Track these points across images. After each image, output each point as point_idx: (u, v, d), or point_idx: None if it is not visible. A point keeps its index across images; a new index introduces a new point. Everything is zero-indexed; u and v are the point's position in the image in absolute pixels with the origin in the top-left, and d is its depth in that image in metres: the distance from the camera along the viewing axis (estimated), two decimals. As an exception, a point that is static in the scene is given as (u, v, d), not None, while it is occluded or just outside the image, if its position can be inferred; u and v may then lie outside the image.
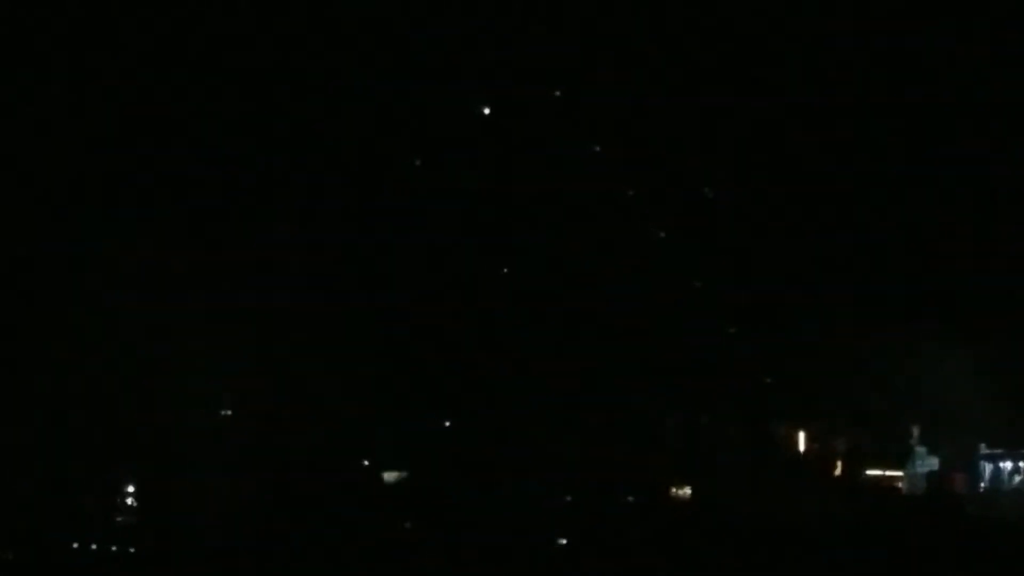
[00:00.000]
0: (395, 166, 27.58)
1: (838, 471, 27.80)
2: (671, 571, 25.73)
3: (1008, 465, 26.80)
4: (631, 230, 27.71)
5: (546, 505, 26.80)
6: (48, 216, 26.69)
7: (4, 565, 25.25)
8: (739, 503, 26.76)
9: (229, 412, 27.30)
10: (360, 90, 27.34)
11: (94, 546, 26.16)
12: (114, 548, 26.22)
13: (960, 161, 27.13)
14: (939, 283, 27.01)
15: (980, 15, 26.70)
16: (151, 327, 26.40)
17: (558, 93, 27.72)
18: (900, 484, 27.39)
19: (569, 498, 26.97)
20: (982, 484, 26.89)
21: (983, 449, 26.88)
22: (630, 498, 27.36)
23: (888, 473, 27.63)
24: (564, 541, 26.32)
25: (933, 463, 26.99)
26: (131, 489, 27.06)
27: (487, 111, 27.85)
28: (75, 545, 26.14)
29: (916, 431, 26.85)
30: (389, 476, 27.04)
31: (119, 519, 26.88)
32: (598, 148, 27.74)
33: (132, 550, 26.13)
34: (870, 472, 27.81)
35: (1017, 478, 26.78)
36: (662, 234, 27.79)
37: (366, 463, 27.20)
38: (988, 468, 26.83)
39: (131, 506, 26.98)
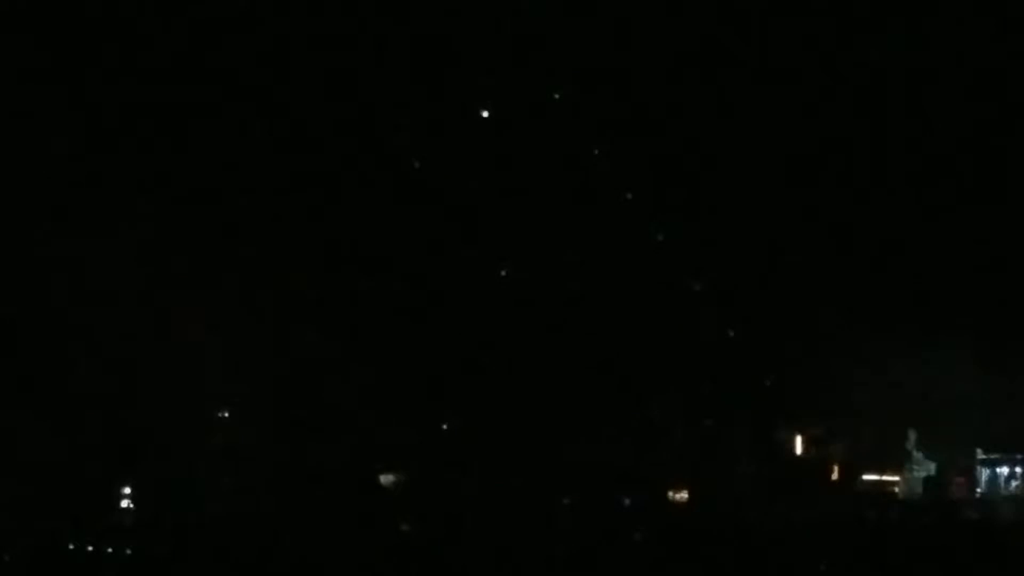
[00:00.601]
0: (394, 167, 27.54)
1: (835, 475, 27.88)
2: (669, 574, 25.74)
3: (1005, 470, 26.86)
4: (630, 232, 27.72)
5: (544, 507, 26.79)
6: (49, 212, 26.58)
7: (1, 566, 25.10)
8: (737, 506, 26.80)
9: (226, 413, 27.25)
10: (359, 90, 27.30)
11: (91, 547, 26.01)
12: (111, 549, 26.07)
13: (961, 165, 27.22)
14: (937, 287, 27.07)
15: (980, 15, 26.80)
16: (150, 326, 26.30)
17: (557, 96, 27.72)
18: (897, 489, 27.46)
19: (567, 500, 26.97)
20: (979, 489, 26.95)
21: (980, 454, 26.94)
22: (627, 501, 27.40)
23: (885, 478, 27.71)
24: (563, 541, 26.29)
25: (930, 468, 27.04)
26: (128, 490, 26.96)
27: (486, 114, 27.85)
28: (71, 546, 25.99)
29: (913, 436, 26.90)
30: (385, 479, 27.01)
31: (116, 520, 26.77)
32: (597, 151, 27.75)
33: (129, 551, 25.99)
34: (867, 477, 27.89)
35: (1014, 483, 26.85)
36: (661, 236, 27.81)
37: (365, 464, 27.14)
38: (985, 473, 26.90)
39: (128, 508, 26.88)
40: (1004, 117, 26.77)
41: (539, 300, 27.50)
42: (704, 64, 27.28)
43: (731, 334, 27.78)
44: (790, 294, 27.75)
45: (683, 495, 27.61)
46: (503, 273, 27.52)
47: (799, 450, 28.09)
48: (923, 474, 26.99)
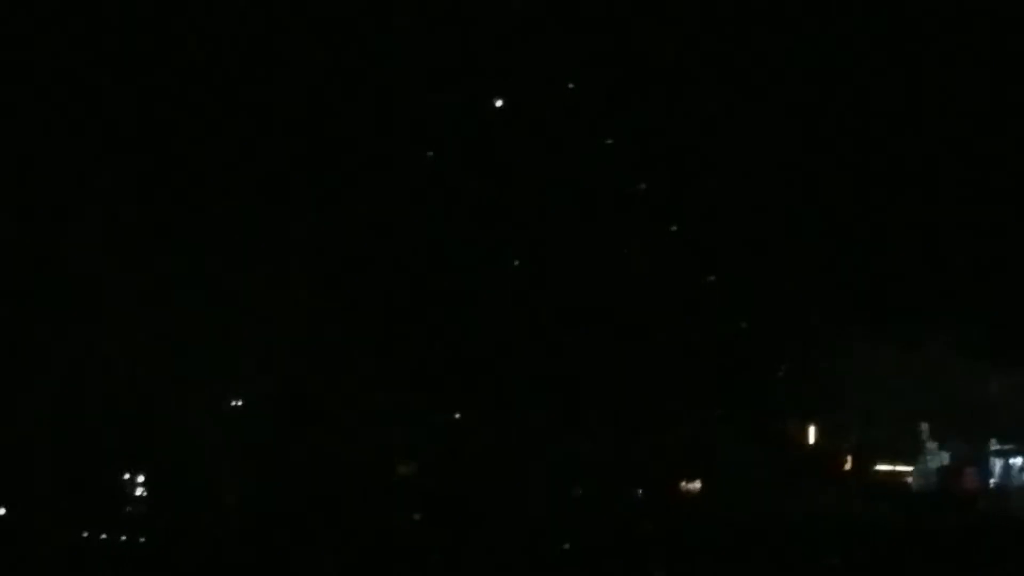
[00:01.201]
0: (407, 157, 27.55)
1: (848, 466, 27.84)
2: (680, 565, 25.74)
3: (1018, 461, 26.79)
4: (642, 223, 27.70)
5: (555, 499, 26.80)
6: (55, 207, 26.65)
7: (13, 555, 25.20)
8: (749, 498, 26.78)
9: (240, 403, 27.30)
10: (370, 79, 27.32)
11: (104, 536, 26.11)
12: (124, 538, 26.16)
13: (964, 156, 27.16)
14: (952, 276, 27.01)
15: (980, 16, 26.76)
16: (161, 315, 26.37)
17: (572, 86, 27.71)
18: (910, 479, 27.41)
19: (580, 491, 26.98)
20: (992, 479, 26.88)
21: (994, 444, 26.87)
22: (639, 492, 27.41)
23: (898, 468, 27.67)
24: (572, 534, 26.30)
25: (943, 458, 26.98)
26: (141, 479, 27.03)
27: (499, 103, 27.84)
28: (85, 535, 26.08)
29: (926, 427, 26.85)
30: (404, 468, 27.05)
31: (129, 509, 26.85)
32: (610, 141, 27.73)
33: (142, 540, 26.07)
34: (880, 467, 27.85)
35: (1028, 473, 26.81)
36: (674, 227, 27.78)
37: (378, 455, 27.16)
38: (998, 464, 26.83)
39: (141, 496, 26.96)
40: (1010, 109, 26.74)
41: (548, 291, 27.50)
42: (716, 54, 27.28)
43: (743, 325, 27.77)
44: (802, 285, 27.71)
45: (695, 486, 27.61)
46: (516, 263, 27.52)
47: (811, 441, 28.07)
48: (936, 464, 26.92)
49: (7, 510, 25.90)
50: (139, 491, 27.14)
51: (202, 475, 26.60)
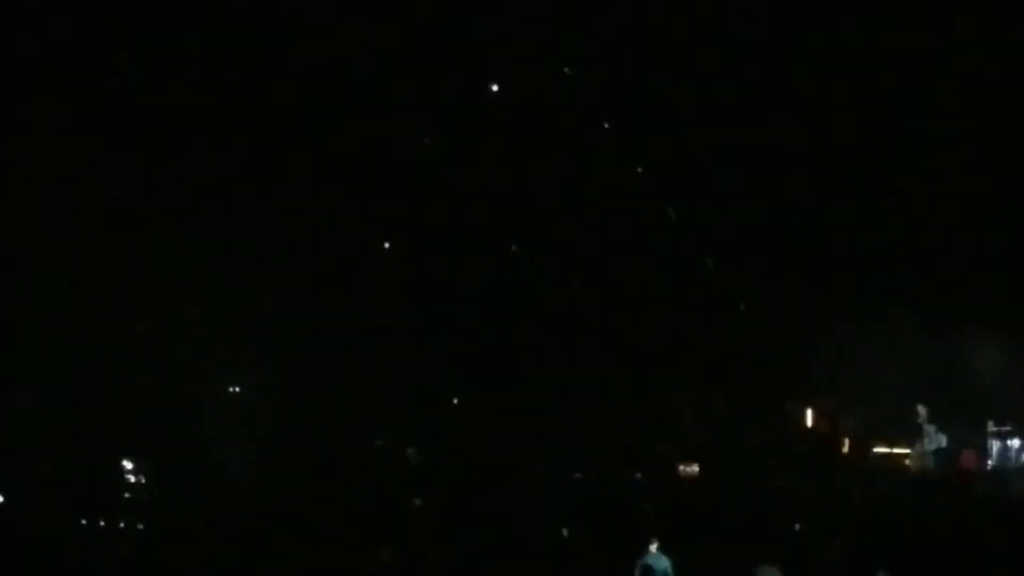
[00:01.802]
0: (406, 146, 27.55)
1: (846, 449, 27.88)
2: (680, 548, 25.72)
3: (1016, 443, 26.77)
4: (642, 209, 27.72)
5: (555, 482, 26.80)
6: (57, 201, 26.63)
7: (14, 539, 25.14)
8: (747, 481, 26.80)
9: (237, 388, 27.32)
10: (370, 70, 27.31)
11: (103, 522, 26.08)
12: (123, 524, 26.13)
13: (966, 139, 27.19)
14: (949, 261, 27.06)
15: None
16: (161, 305, 26.35)
17: (567, 70, 27.71)
18: (908, 462, 27.41)
19: (579, 475, 27.00)
20: (990, 462, 26.88)
21: (991, 427, 26.86)
22: (638, 475, 27.44)
23: (896, 451, 27.68)
24: (573, 518, 26.29)
25: (941, 441, 26.97)
26: (139, 466, 27.02)
27: (495, 88, 27.84)
28: (84, 521, 26.05)
29: (924, 409, 26.83)
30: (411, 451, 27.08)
31: (128, 495, 26.83)
32: (607, 125, 27.75)
33: (141, 526, 26.03)
34: (878, 450, 27.88)
35: (1026, 455, 26.79)
36: (672, 213, 27.81)
37: (377, 441, 27.20)
38: (996, 446, 26.82)
39: (140, 482, 26.93)
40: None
41: (548, 276, 27.51)
42: (716, 44, 27.30)
43: (742, 308, 27.82)
44: (802, 269, 27.75)
45: (693, 468, 27.65)
46: (514, 248, 27.54)
47: (810, 423, 28.11)
48: (934, 447, 26.90)
49: (8, 498, 25.88)
50: (136, 478, 27.15)
51: (202, 462, 26.60)
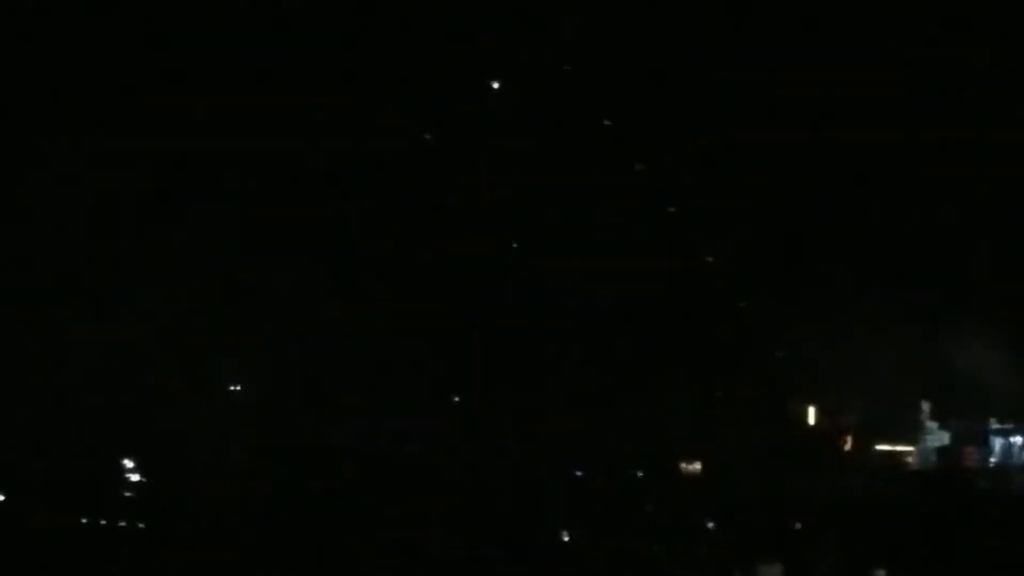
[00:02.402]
0: (406, 141, 27.48)
1: (848, 446, 27.83)
2: (681, 545, 25.72)
3: (1018, 440, 26.79)
4: (642, 204, 27.65)
5: (556, 479, 26.75)
6: (55, 201, 26.60)
7: (13, 539, 25.10)
8: (749, 478, 26.76)
9: (238, 387, 27.24)
10: (370, 64, 27.25)
11: (103, 521, 26.02)
12: (123, 524, 26.07)
13: (965, 139, 27.14)
14: (950, 257, 27.01)
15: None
16: (160, 301, 26.30)
17: (568, 68, 27.65)
18: (910, 459, 27.41)
19: (579, 472, 26.95)
20: (992, 459, 26.89)
21: (993, 424, 26.89)
22: (639, 473, 27.38)
23: (898, 448, 27.67)
24: (572, 515, 26.26)
25: (943, 438, 26.98)
26: (139, 465, 26.96)
27: (496, 85, 27.78)
28: (84, 520, 25.99)
29: (927, 406, 26.83)
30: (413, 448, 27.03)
31: (127, 495, 26.76)
32: (608, 122, 27.68)
33: (141, 525, 25.98)
34: (880, 447, 27.85)
35: (1027, 452, 26.80)
36: (672, 208, 27.75)
37: (377, 439, 27.11)
38: (998, 443, 26.83)
39: (140, 482, 26.87)
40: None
41: (552, 276, 27.45)
42: (717, 38, 27.24)
43: (743, 305, 27.75)
44: (803, 266, 27.69)
45: (695, 467, 27.59)
46: (514, 245, 27.46)
47: (811, 421, 28.06)
48: (936, 444, 26.93)
49: (8, 496, 25.84)
50: (136, 477, 27.08)
51: (202, 461, 26.55)
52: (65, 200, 26.43)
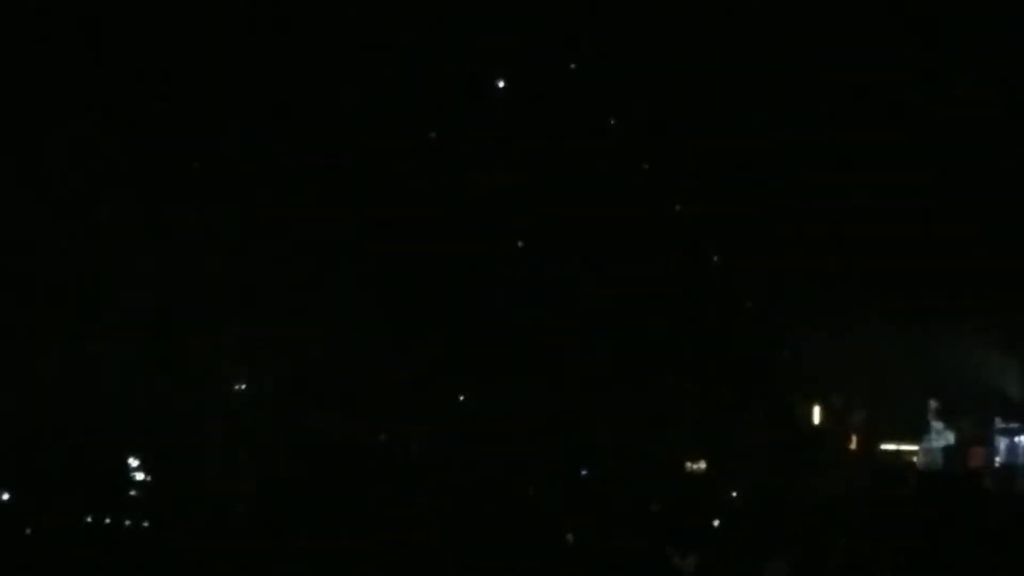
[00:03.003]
0: (409, 138, 27.47)
1: (853, 445, 27.83)
2: (684, 544, 25.65)
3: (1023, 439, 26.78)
4: (647, 203, 27.64)
5: (559, 479, 26.73)
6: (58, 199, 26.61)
7: (18, 537, 25.07)
8: (754, 478, 26.75)
9: (243, 386, 27.25)
10: (371, 59, 27.23)
11: (108, 520, 25.98)
12: (128, 522, 26.04)
13: (967, 137, 27.12)
14: (955, 254, 26.98)
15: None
16: (164, 297, 26.31)
17: (574, 66, 27.64)
18: (915, 459, 27.40)
19: (584, 472, 26.93)
20: (997, 458, 26.86)
21: (999, 423, 26.86)
22: (644, 471, 27.35)
23: (904, 447, 27.66)
24: (579, 515, 26.20)
25: (949, 437, 26.97)
26: (144, 463, 26.96)
27: (501, 84, 27.76)
28: (88, 519, 25.96)
29: (934, 404, 26.83)
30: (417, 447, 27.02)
31: (132, 493, 26.76)
32: (613, 121, 27.67)
33: (146, 524, 25.93)
34: (885, 447, 27.84)
35: (1034, 452, 26.76)
36: (678, 207, 27.75)
37: (381, 436, 27.13)
38: (1004, 442, 26.81)
39: (145, 480, 26.88)
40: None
41: (555, 273, 27.45)
42: (720, 34, 27.21)
43: (748, 304, 27.76)
44: (808, 265, 27.68)
45: (700, 466, 27.60)
46: (519, 243, 27.47)
47: (816, 421, 28.07)
48: (942, 444, 26.90)
49: (12, 495, 25.84)
50: (142, 475, 27.09)
51: (206, 459, 26.55)
52: (66, 193, 26.45)
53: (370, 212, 26.99)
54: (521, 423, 26.91)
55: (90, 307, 26.34)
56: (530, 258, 27.46)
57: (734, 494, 26.43)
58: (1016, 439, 26.78)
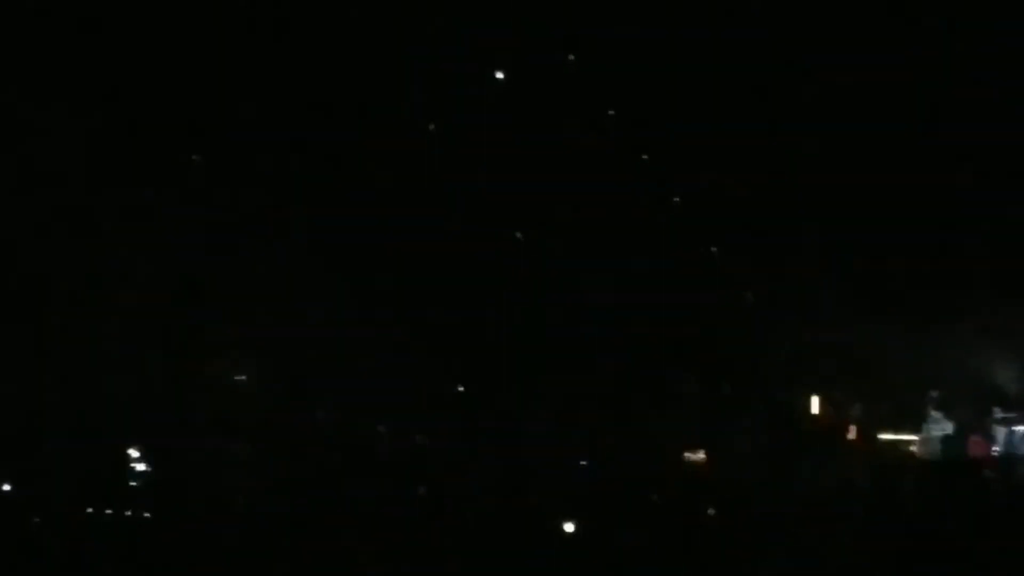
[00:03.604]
0: (409, 131, 27.51)
1: (852, 436, 27.89)
2: (684, 535, 25.72)
3: (1022, 428, 26.86)
4: (646, 196, 27.69)
5: (560, 470, 26.78)
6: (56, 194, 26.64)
7: (18, 529, 25.12)
8: (753, 468, 26.80)
9: (244, 377, 27.28)
10: (371, 54, 27.28)
11: (109, 511, 26.01)
12: (129, 513, 26.07)
13: (966, 133, 27.20)
14: (956, 245, 27.05)
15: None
16: (165, 292, 26.36)
17: (572, 57, 27.68)
18: (914, 448, 27.48)
19: (584, 462, 26.98)
20: (996, 448, 26.95)
21: (998, 413, 26.94)
22: (644, 462, 27.40)
23: (903, 437, 27.73)
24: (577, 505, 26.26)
25: (948, 427, 27.05)
26: (144, 454, 26.99)
27: (500, 75, 27.80)
28: (89, 510, 26.00)
29: (934, 394, 26.92)
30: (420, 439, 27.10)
31: (133, 484, 26.79)
32: (612, 112, 27.71)
33: (147, 515, 25.98)
34: (884, 436, 27.90)
35: (1032, 441, 26.85)
36: (677, 199, 27.79)
37: (381, 428, 27.17)
38: (1002, 432, 26.90)
39: (146, 471, 26.91)
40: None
41: (557, 266, 27.49)
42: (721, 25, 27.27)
43: (748, 296, 27.82)
44: (807, 257, 27.74)
45: (699, 456, 27.65)
46: (518, 236, 27.51)
47: (815, 411, 28.12)
48: (941, 433, 26.99)
49: (12, 486, 25.87)
50: (142, 467, 27.11)
51: (207, 451, 26.59)
52: (64, 186, 26.49)
53: (372, 207, 27.05)
54: (521, 415, 26.96)
55: (91, 300, 26.37)
56: (528, 251, 27.48)
57: (733, 484, 26.50)
58: (1015, 428, 26.87)
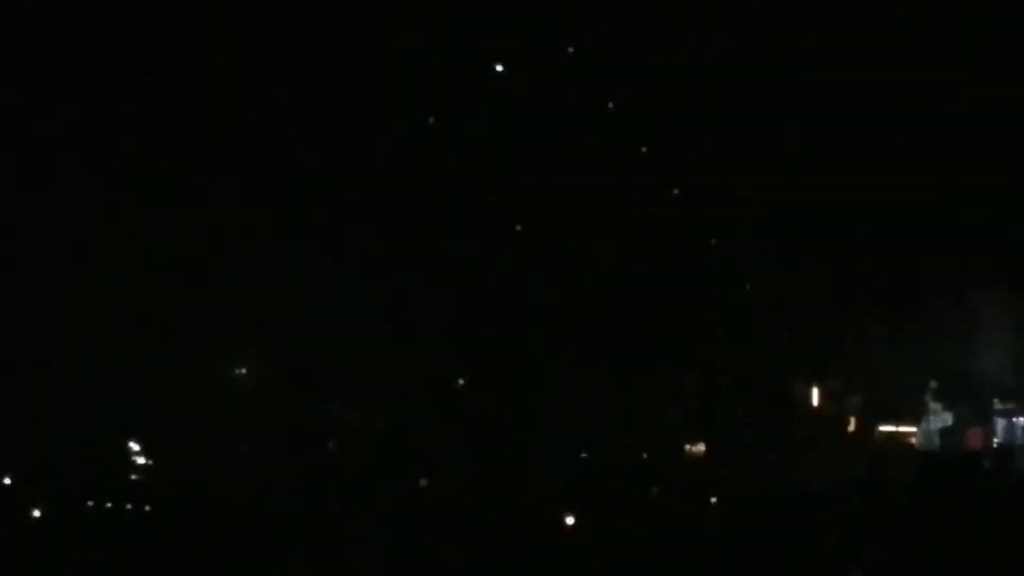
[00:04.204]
0: (408, 123, 27.52)
1: (852, 427, 27.91)
2: (685, 527, 25.76)
3: (1022, 420, 26.89)
4: (645, 187, 27.70)
5: (560, 461, 26.83)
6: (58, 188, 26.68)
7: (22, 524, 25.19)
8: (753, 460, 26.84)
9: (244, 371, 27.31)
10: (370, 43, 27.27)
11: (109, 504, 26.08)
12: (129, 506, 26.14)
13: (964, 124, 27.20)
14: (953, 236, 27.05)
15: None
16: (168, 287, 26.40)
17: (571, 49, 27.69)
18: (914, 440, 27.51)
19: (584, 454, 27.02)
20: (995, 439, 26.99)
21: (997, 404, 26.98)
22: (644, 455, 27.47)
23: (902, 429, 27.76)
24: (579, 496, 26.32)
25: (947, 418, 27.10)
26: (145, 447, 27.05)
27: (500, 68, 27.80)
28: (90, 503, 26.06)
29: (933, 385, 26.95)
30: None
31: (133, 477, 26.85)
32: (611, 104, 27.73)
33: (148, 508, 26.04)
34: (883, 428, 27.93)
35: (1031, 432, 26.89)
36: (676, 191, 27.81)
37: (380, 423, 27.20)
38: (1001, 423, 26.94)
39: (146, 464, 26.96)
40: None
41: (553, 257, 27.50)
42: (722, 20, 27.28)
43: (747, 287, 27.84)
44: (805, 248, 27.74)
45: (699, 448, 27.69)
46: (518, 227, 27.53)
47: (815, 403, 28.13)
48: (940, 424, 27.03)
49: (13, 479, 25.93)
50: (143, 460, 27.16)
51: (207, 444, 26.63)
52: (66, 186, 26.51)
53: (371, 201, 27.07)
54: (519, 407, 26.99)
55: (92, 294, 26.40)
56: (528, 242, 27.51)
57: (733, 476, 26.56)
58: (1014, 420, 26.91)
